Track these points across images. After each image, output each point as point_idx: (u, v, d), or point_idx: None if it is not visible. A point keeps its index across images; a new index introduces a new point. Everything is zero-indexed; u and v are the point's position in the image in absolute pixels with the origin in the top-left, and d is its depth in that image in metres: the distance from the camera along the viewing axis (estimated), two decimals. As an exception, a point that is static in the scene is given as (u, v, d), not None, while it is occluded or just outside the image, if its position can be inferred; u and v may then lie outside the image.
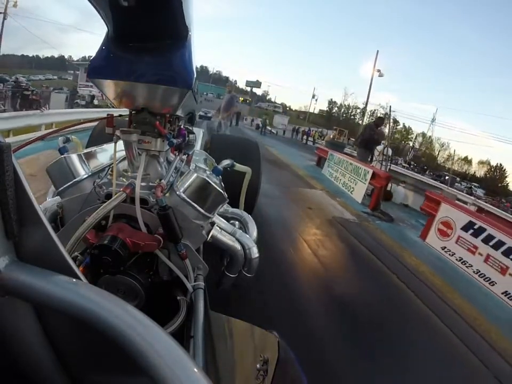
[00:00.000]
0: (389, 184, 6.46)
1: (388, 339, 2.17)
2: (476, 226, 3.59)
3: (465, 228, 3.71)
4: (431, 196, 4.69)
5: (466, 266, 3.57)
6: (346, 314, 2.34)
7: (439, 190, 7.09)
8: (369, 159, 7.34)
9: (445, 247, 3.92)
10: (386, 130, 7.13)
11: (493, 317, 2.81)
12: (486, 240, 3.43)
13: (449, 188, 8.36)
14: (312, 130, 29.01)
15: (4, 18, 18.51)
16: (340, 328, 2.17)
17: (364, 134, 7.64)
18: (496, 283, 3.21)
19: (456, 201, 5.47)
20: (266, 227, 2.40)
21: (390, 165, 6.94)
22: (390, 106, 11.42)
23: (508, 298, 3.03)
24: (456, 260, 3.71)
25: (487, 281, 3.31)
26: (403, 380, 1.81)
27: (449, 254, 3.83)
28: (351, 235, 4.12)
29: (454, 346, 2.26)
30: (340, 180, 7.11)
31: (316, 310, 2.28)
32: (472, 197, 8.42)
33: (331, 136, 24.41)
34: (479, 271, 3.41)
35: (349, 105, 64.04)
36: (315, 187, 6.78)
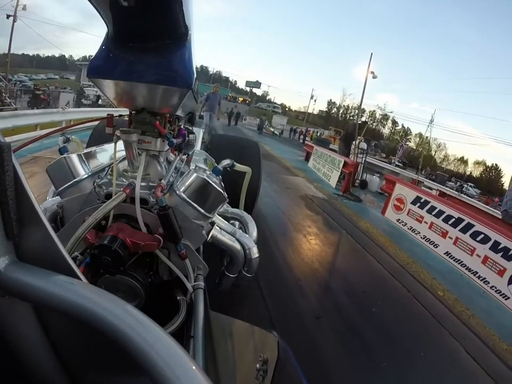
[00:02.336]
0: (365, 174, 7.71)
1: (327, 263, 2.95)
2: (422, 200, 4.35)
3: (414, 202, 4.49)
4: (389, 178, 5.79)
5: (415, 233, 4.31)
6: (296, 243, 3.25)
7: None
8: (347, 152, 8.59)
9: (399, 219, 4.73)
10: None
11: (426, 265, 3.42)
12: (430, 211, 4.16)
13: (404, 172, 10.12)
14: (310, 130, 30.30)
15: (14, 21, 18.66)
16: (288, 246, 3.11)
17: (347, 130, 9.11)
18: (439, 245, 3.90)
19: (413, 183, 6.94)
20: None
21: (365, 157, 7.86)
22: (358, 119, 12.19)
23: (449, 257, 3.69)
24: (408, 228, 4.48)
25: (431, 244, 4.00)
26: (345, 285, 2.56)
27: (402, 224, 4.63)
28: (316, 205, 4.94)
29: (384, 278, 2.91)
30: (321, 170, 8.15)
31: (276, 237, 3.27)
32: (437, 184, 10.57)
33: (318, 134, 26.37)
34: (425, 236, 4.12)
35: (348, 106, 64.18)
36: (297, 175, 7.59)
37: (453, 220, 3.76)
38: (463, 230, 3.60)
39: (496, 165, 51.43)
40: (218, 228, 1.17)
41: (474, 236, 3.46)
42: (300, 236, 3.46)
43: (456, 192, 10.17)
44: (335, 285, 2.55)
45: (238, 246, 1.19)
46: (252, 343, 0.77)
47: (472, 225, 3.50)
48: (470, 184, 35.33)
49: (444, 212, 3.91)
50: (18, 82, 23.15)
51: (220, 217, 1.31)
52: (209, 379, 0.32)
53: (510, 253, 3.02)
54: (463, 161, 56.51)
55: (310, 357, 1.63)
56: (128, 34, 0.81)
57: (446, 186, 12.87)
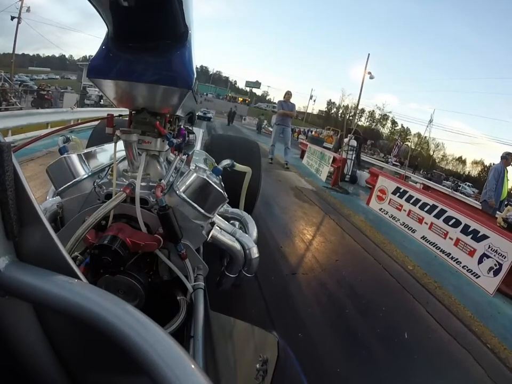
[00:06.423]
0: (356, 170, 8.11)
1: (306, 238, 3.25)
2: (401, 190, 4.74)
3: (394, 192, 4.87)
4: (373, 171, 6.34)
5: (396, 221, 4.69)
6: (281, 222, 3.62)
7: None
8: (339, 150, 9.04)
9: (382, 208, 5.12)
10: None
11: (402, 246, 3.67)
12: (408, 199, 4.51)
13: (389, 166, 11.22)
14: (312, 131, 31.34)
15: (18, 23, 18.85)
16: (278, 225, 3.48)
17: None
18: (416, 230, 4.23)
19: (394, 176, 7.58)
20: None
21: (355, 154, 8.19)
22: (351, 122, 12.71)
23: (425, 241, 4.03)
24: (389, 217, 4.88)
25: (410, 230, 4.34)
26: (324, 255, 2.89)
27: (384, 213, 5.01)
28: (304, 195, 5.29)
29: (358, 252, 3.18)
30: (313, 166, 8.53)
31: (265, 214, 3.64)
32: (421, 178, 11.59)
33: (313, 134, 27.95)
34: (404, 223, 4.49)
35: (347, 106, 64.33)
36: (290, 170, 7.82)
37: (428, 206, 4.11)
38: (437, 216, 3.93)
39: (493, 164, 51.46)
40: (218, 228, 1.16)
41: (446, 220, 3.77)
42: (286, 217, 3.82)
43: (449, 190, 10.84)
44: (312, 253, 2.86)
45: (238, 246, 1.19)
46: (252, 343, 0.77)
47: (445, 211, 3.84)
48: (468, 183, 35.42)
49: (420, 200, 4.28)
50: (19, 83, 23.28)
51: (220, 217, 1.31)
52: (209, 379, 0.31)
53: (478, 235, 3.28)
54: (461, 161, 56.86)
55: (283, 297, 2.05)
56: (128, 34, 0.81)
57: (443, 186, 13.27)
